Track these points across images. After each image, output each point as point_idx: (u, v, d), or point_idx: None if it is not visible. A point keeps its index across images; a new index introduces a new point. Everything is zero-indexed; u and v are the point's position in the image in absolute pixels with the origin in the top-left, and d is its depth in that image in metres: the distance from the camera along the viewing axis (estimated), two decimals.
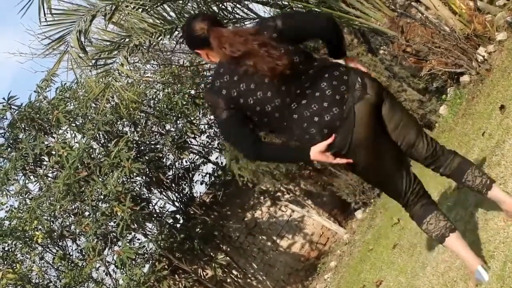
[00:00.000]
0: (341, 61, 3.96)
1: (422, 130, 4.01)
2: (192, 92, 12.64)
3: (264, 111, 3.72)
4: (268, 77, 3.67)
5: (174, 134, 12.09)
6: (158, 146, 12.19)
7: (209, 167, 14.05)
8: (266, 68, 3.65)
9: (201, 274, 11.83)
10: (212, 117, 12.97)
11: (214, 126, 13.17)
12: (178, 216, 12.03)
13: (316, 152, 3.74)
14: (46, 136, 11.07)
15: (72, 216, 10.90)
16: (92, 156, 10.56)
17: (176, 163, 12.61)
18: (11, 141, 11.07)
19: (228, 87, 3.71)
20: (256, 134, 3.83)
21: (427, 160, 3.99)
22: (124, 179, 10.51)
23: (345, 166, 3.96)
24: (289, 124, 3.77)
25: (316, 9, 9.58)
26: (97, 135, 11.16)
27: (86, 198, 10.20)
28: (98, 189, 10.19)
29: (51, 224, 10.71)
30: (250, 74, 3.69)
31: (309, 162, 3.93)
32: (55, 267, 10.95)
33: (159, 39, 9.89)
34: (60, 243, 11.05)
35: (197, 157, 12.95)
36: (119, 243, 10.40)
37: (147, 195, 11.84)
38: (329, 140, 3.71)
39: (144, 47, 10.12)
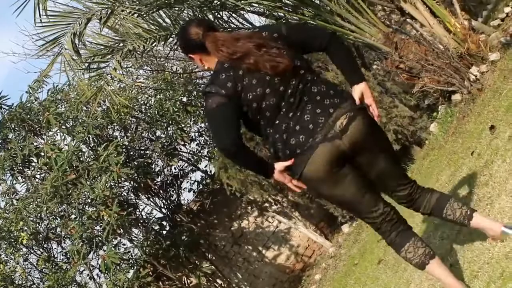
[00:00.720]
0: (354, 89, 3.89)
1: (404, 175, 4.02)
2: (184, 99, 12.64)
3: (259, 108, 3.74)
4: (270, 75, 3.69)
5: (164, 141, 12.07)
6: (147, 152, 12.17)
7: (197, 175, 14.05)
8: (268, 65, 3.68)
9: (186, 281, 11.81)
10: (203, 124, 12.98)
11: (205, 134, 13.17)
12: (164, 222, 12.00)
13: (276, 170, 3.81)
14: (35, 137, 11.04)
15: (58, 219, 10.85)
16: (81, 159, 10.52)
17: (165, 170, 12.58)
18: (0, 141, 11.03)
19: (234, 80, 3.72)
20: (241, 134, 3.80)
21: (406, 204, 4.01)
22: (112, 183, 10.48)
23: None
24: (271, 128, 3.79)
25: (311, 22, 9.62)
26: (87, 139, 11.10)
27: (73, 201, 10.17)
28: (86, 193, 10.17)
29: (37, 225, 10.66)
30: (252, 71, 3.71)
31: (269, 177, 3.92)
32: (39, 269, 10.88)
33: (153, 45, 9.90)
34: (45, 245, 11.00)
35: (186, 164, 12.93)
36: (104, 247, 10.36)
37: (134, 200, 11.80)
38: (288, 163, 3.76)
39: (138, 52, 10.11)
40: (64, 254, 11.07)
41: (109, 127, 11.90)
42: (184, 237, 11.69)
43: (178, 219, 12.16)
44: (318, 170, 3.75)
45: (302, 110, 3.73)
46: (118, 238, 11.00)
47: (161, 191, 12.31)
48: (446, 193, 4.07)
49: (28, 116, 10.93)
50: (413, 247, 3.82)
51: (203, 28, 3.86)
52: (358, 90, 3.86)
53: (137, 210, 11.61)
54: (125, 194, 11.57)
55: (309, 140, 3.70)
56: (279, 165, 3.81)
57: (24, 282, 10.68)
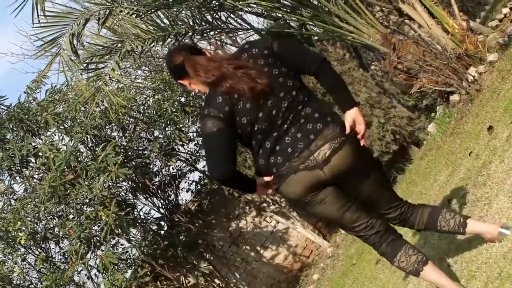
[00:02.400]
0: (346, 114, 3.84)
1: (393, 198, 4.00)
2: (182, 99, 12.62)
3: (252, 131, 3.73)
4: (249, 97, 3.65)
5: (162, 141, 12.05)
6: (145, 152, 12.16)
7: (195, 175, 14.05)
8: (246, 87, 3.64)
9: (184, 281, 11.81)
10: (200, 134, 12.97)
11: (202, 143, 13.16)
12: (162, 223, 12.00)
13: (258, 185, 3.86)
14: (33, 137, 11.02)
15: (56, 219, 10.85)
16: (79, 159, 10.51)
17: (163, 170, 12.58)
18: None
19: (231, 103, 3.67)
20: (235, 162, 3.79)
21: (399, 224, 4.02)
22: (110, 183, 10.50)
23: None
24: (260, 148, 3.79)
25: (310, 22, 9.64)
26: (85, 139, 11.10)
27: (71, 201, 10.16)
28: (84, 193, 10.16)
29: (35, 225, 10.64)
30: (232, 93, 3.67)
31: (252, 193, 3.96)
32: (37, 269, 10.88)
33: (151, 45, 9.90)
34: (43, 245, 10.99)
35: (184, 164, 12.92)
36: (102, 247, 10.37)
37: (132, 200, 11.80)
38: (269, 179, 3.79)
39: (136, 53, 10.12)
40: (62, 254, 11.07)
41: (107, 127, 11.89)
42: (182, 237, 11.69)
43: (176, 219, 12.17)
44: (294, 193, 3.77)
45: (286, 132, 3.72)
46: (116, 238, 11.01)
47: (159, 191, 12.31)
48: (437, 205, 4.07)
49: (26, 116, 10.91)
50: (405, 255, 3.82)
51: (184, 52, 3.83)
52: (349, 118, 3.78)
53: (135, 210, 11.61)
54: (123, 194, 11.57)
55: (285, 163, 3.70)
56: (259, 180, 3.84)
57: (22, 282, 10.67)
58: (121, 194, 11.36)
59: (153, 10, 9.36)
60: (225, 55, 3.85)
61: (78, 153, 10.70)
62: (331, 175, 3.70)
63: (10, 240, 10.40)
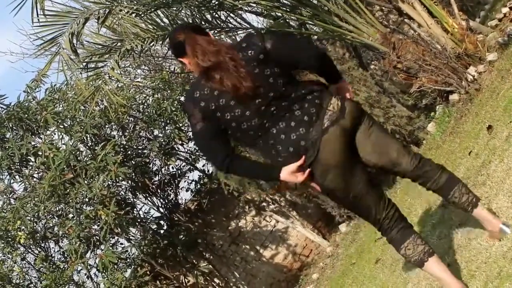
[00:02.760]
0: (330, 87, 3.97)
1: (404, 146, 4.01)
2: (182, 98, 12.62)
3: (239, 127, 3.73)
4: (230, 95, 3.66)
5: (162, 140, 12.06)
6: (145, 151, 12.16)
7: (195, 174, 14.02)
8: (230, 84, 3.64)
9: (183, 281, 11.81)
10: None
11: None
12: (162, 222, 12.00)
13: (287, 172, 3.76)
14: (33, 136, 11.02)
15: (56, 218, 10.85)
16: (78, 158, 10.52)
17: (163, 169, 12.58)
18: None
19: (208, 99, 3.68)
20: (229, 147, 3.81)
21: (413, 175, 3.98)
22: (109, 182, 10.50)
23: (316, 189, 3.95)
24: (259, 141, 3.79)
25: (309, 22, 9.64)
26: (85, 138, 11.11)
27: (70, 200, 10.17)
28: (83, 192, 10.16)
29: (35, 225, 10.65)
30: (215, 89, 3.67)
31: (278, 181, 3.89)
32: (37, 268, 10.88)
33: (151, 44, 9.90)
34: (43, 245, 11.00)
35: (183, 164, 12.93)
36: (102, 246, 10.37)
37: (132, 199, 11.80)
38: (300, 162, 3.72)
39: (136, 52, 10.11)
40: (61, 253, 11.07)
41: (106, 126, 11.90)
42: (181, 236, 11.70)
43: (176, 219, 12.17)
44: (336, 151, 3.75)
45: (291, 112, 3.73)
46: (116, 237, 11.01)
47: (158, 191, 12.32)
48: (456, 175, 4.04)
49: (26, 115, 10.92)
50: (413, 244, 3.81)
51: (187, 30, 3.83)
52: (341, 86, 4.01)
53: (135, 209, 11.61)
54: (123, 193, 11.58)
55: (309, 129, 3.69)
56: (290, 167, 3.74)
57: (21, 281, 10.67)
58: (120, 193, 11.37)
59: (152, 9, 9.36)
60: (226, 43, 3.83)
61: (78, 152, 10.71)
62: (351, 119, 3.76)
63: (10, 239, 10.40)
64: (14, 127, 11.01)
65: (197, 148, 3.62)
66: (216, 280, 12.07)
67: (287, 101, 3.73)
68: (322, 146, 3.70)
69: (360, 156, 3.86)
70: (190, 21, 9.74)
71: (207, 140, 3.78)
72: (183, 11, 9.75)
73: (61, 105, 11.57)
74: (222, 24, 10.01)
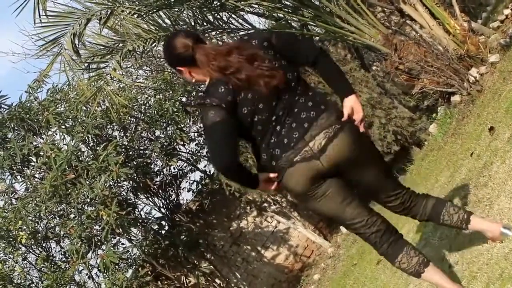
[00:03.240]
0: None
1: (394, 186, 3.96)
2: (184, 99, 12.63)
3: (252, 122, 3.71)
4: (262, 91, 3.63)
5: (163, 141, 12.06)
6: (146, 151, 12.16)
7: (196, 175, 14.08)
8: (262, 82, 3.61)
9: (184, 281, 11.82)
10: (201, 124, 12.98)
11: (204, 134, 13.18)
12: (163, 222, 12.01)
13: (260, 180, 3.82)
14: (35, 136, 11.02)
15: (57, 218, 10.84)
16: (80, 159, 10.51)
17: (164, 170, 12.59)
18: None
19: (233, 93, 3.64)
20: (237, 153, 3.76)
21: (401, 213, 3.99)
22: (111, 183, 10.50)
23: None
24: (260, 139, 3.77)
25: (311, 23, 9.64)
26: (86, 138, 11.11)
27: (72, 201, 10.16)
28: (85, 192, 10.15)
29: (36, 225, 10.64)
30: (243, 87, 3.64)
31: (254, 188, 3.91)
32: (38, 268, 10.88)
33: (153, 45, 9.90)
34: (44, 245, 10.99)
35: (185, 164, 12.93)
36: (103, 247, 10.36)
37: (133, 200, 11.81)
38: (273, 175, 3.76)
39: (138, 52, 10.12)
40: (63, 253, 11.06)
41: (108, 127, 11.91)
42: (183, 236, 11.70)
43: (177, 219, 12.18)
44: (296, 186, 3.74)
45: (283, 124, 3.70)
46: (117, 238, 11.02)
47: (160, 191, 12.32)
48: (441, 197, 4.04)
49: (28, 115, 10.92)
50: (407, 257, 3.79)
51: (191, 40, 3.75)
52: (348, 105, 3.76)
53: (136, 209, 11.62)
54: (124, 193, 11.58)
55: (282, 155, 3.68)
56: (262, 176, 3.80)
57: (23, 281, 10.66)
58: (122, 194, 11.37)
59: (154, 10, 9.37)
60: (237, 44, 3.75)
61: (79, 153, 10.71)
62: (328, 165, 3.68)
63: (11, 239, 10.40)
64: (15, 128, 11.02)
65: (208, 142, 3.47)
66: (217, 281, 12.08)
67: (291, 105, 3.71)
68: (288, 174, 3.71)
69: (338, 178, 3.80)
70: (192, 22, 9.76)
71: (225, 136, 3.64)
72: (185, 12, 9.76)
73: (63, 106, 11.58)
74: (224, 25, 10.02)
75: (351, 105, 3.77)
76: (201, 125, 3.76)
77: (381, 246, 3.86)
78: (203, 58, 3.68)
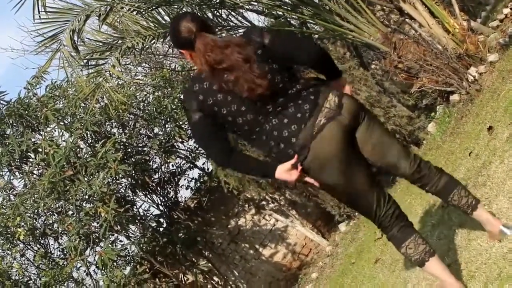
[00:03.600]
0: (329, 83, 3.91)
1: (404, 148, 4.00)
2: (182, 96, 12.62)
3: (235, 122, 3.71)
4: (243, 95, 3.64)
5: (162, 138, 12.07)
6: (145, 149, 12.17)
7: (195, 172, 14.05)
8: (246, 86, 3.61)
9: (182, 279, 11.81)
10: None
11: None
12: (161, 220, 12.01)
13: (281, 171, 3.76)
14: (33, 133, 11.03)
15: (56, 215, 10.85)
16: (78, 155, 10.52)
17: (163, 167, 12.59)
18: None
19: (206, 93, 3.67)
20: (228, 143, 3.81)
21: (412, 178, 3.96)
22: (109, 180, 10.50)
23: (314, 184, 3.93)
24: (254, 136, 3.77)
25: (310, 21, 9.64)
26: (85, 135, 11.12)
27: (70, 197, 10.17)
28: (83, 189, 10.15)
29: (34, 221, 10.65)
30: (229, 87, 3.65)
31: (273, 178, 3.88)
32: (36, 265, 10.88)
33: (152, 42, 9.91)
34: (42, 241, 10.99)
35: (183, 161, 12.93)
36: (101, 244, 10.37)
37: (131, 197, 11.81)
38: (293, 160, 3.72)
39: (137, 49, 10.12)
40: (61, 250, 11.07)
41: (107, 123, 11.91)
42: (181, 234, 11.70)
43: (175, 216, 12.17)
44: (334, 146, 3.71)
45: (286, 108, 3.71)
46: (115, 235, 11.01)
47: (158, 188, 12.32)
48: (455, 178, 4.02)
49: (26, 112, 10.92)
50: (414, 243, 3.79)
51: (196, 25, 3.74)
52: (339, 83, 3.93)
53: (135, 207, 11.61)
54: (123, 191, 11.59)
55: (301, 126, 3.68)
56: (284, 165, 3.74)
57: (20, 277, 10.66)
58: (120, 191, 11.38)
59: (154, 7, 9.38)
60: (237, 41, 3.73)
61: (78, 149, 10.71)
62: (349, 116, 3.72)
63: (9, 235, 10.40)
64: (14, 124, 11.02)
65: (195, 142, 3.53)
66: (215, 279, 12.08)
67: (284, 97, 3.72)
68: (318, 142, 3.68)
69: (361, 153, 3.84)
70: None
71: (205, 132, 3.75)
72: (184, 9, 9.75)
73: (61, 102, 11.59)
74: (223, 23, 10.02)
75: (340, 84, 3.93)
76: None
77: (391, 230, 3.87)
78: (201, 47, 3.68)
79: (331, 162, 3.74)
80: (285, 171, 3.75)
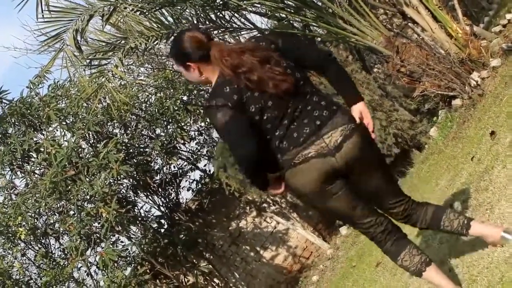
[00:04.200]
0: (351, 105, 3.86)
1: (398, 193, 3.97)
2: (185, 98, 12.65)
3: (260, 120, 3.68)
4: (272, 93, 3.63)
5: (164, 139, 12.08)
6: (147, 149, 12.18)
7: (196, 174, 14.08)
8: (271, 84, 3.61)
9: (183, 280, 11.82)
10: (203, 123, 13.00)
11: (204, 133, 13.21)
12: (163, 221, 12.02)
13: (271, 180, 3.81)
14: (35, 132, 11.05)
15: (57, 215, 10.87)
16: (80, 155, 10.54)
17: (164, 168, 12.61)
18: None
19: (239, 92, 3.63)
20: (256, 140, 3.66)
21: (403, 220, 3.98)
22: (111, 180, 10.51)
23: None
24: (271, 137, 3.73)
25: (313, 24, 9.64)
26: (87, 135, 11.14)
27: (72, 197, 10.18)
28: (85, 189, 10.16)
29: (35, 221, 10.67)
30: (254, 85, 3.64)
31: (264, 190, 3.94)
32: (37, 264, 10.89)
33: (155, 43, 9.91)
34: (43, 241, 11.00)
35: (185, 163, 12.95)
36: (102, 244, 10.39)
37: (133, 198, 11.83)
38: (276, 175, 3.75)
39: (140, 50, 10.12)
40: (62, 250, 11.09)
41: (109, 124, 11.93)
42: (182, 235, 11.71)
43: (177, 218, 12.18)
44: (309, 183, 3.71)
45: (293, 120, 3.69)
46: (116, 235, 11.03)
47: (160, 189, 12.33)
48: (441, 205, 4.04)
49: (29, 111, 10.94)
50: (409, 255, 3.80)
51: (206, 36, 3.77)
52: (357, 111, 3.82)
53: (136, 207, 11.63)
54: (124, 191, 11.60)
55: (290, 147, 3.66)
56: (272, 176, 3.79)
57: (21, 277, 10.68)
58: (122, 192, 11.39)
59: (157, 8, 9.38)
60: (251, 45, 3.74)
61: (80, 149, 10.74)
62: (343, 162, 3.68)
63: (10, 235, 10.41)
64: (16, 123, 11.04)
65: (224, 137, 3.35)
66: (216, 280, 12.08)
67: (302, 103, 3.71)
68: (295, 172, 3.70)
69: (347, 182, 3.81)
70: (195, 21, 9.76)
71: (241, 128, 3.62)
72: (187, 10, 9.77)
73: (64, 102, 11.60)
74: (226, 24, 10.02)
75: (360, 110, 3.82)
76: (214, 128, 3.59)
77: (385, 244, 3.88)
78: (217, 54, 3.68)
79: (309, 193, 3.77)
80: (273, 184, 3.84)
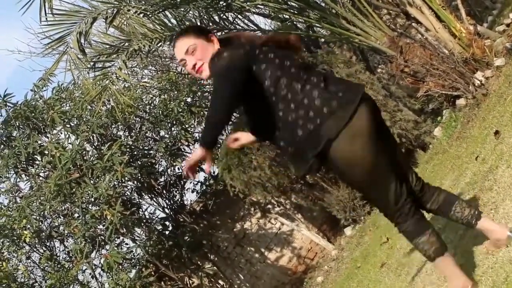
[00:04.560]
0: None
1: (411, 167, 4.06)
2: (189, 99, 12.65)
3: (268, 88, 3.66)
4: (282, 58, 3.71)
5: (168, 141, 12.08)
6: (151, 151, 12.19)
7: (201, 176, 14.05)
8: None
9: (188, 282, 11.82)
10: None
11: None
12: (167, 223, 12.02)
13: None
14: (40, 135, 11.06)
15: (62, 217, 10.87)
16: (85, 158, 10.55)
17: (168, 170, 12.61)
18: (4, 139, 11.07)
19: (259, 53, 3.72)
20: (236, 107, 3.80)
21: (415, 194, 3.94)
22: (115, 183, 10.52)
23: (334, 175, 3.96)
24: (282, 104, 3.67)
25: (317, 24, 9.64)
26: (91, 137, 11.15)
27: (76, 200, 10.19)
28: (89, 192, 10.18)
29: (40, 224, 10.68)
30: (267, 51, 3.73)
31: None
32: (41, 267, 10.90)
33: (158, 45, 9.92)
34: (48, 244, 11.02)
35: None
36: (107, 246, 10.40)
37: (137, 200, 11.83)
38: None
39: (143, 52, 10.14)
40: (66, 252, 11.10)
41: (113, 126, 11.94)
42: (186, 237, 11.71)
43: (181, 220, 12.18)
44: (366, 122, 3.61)
45: (316, 84, 3.63)
46: (121, 238, 11.04)
47: (164, 191, 12.33)
48: (454, 193, 4.04)
49: (33, 114, 10.96)
50: (428, 236, 3.76)
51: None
52: None
53: (140, 209, 11.63)
54: (129, 193, 11.61)
55: (338, 106, 3.58)
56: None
57: (26, 280, 10.69)
58: (126, 194, 11.39)
59: (160, 10, 9.39)
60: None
61: (84, 152, 10.75)
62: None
63: (15, 238, 10.42)
64: (21, 126, 11.05)
65: (223, 80, 3.25)
66: (221, 282, 12.08)
67: (313, 74, 3.71)
68: (358, 113, 3.60)
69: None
70: (198, 22, 9.78)
71: (239, 85, 3.58)
72: (191, 12, 9.77)
73: (68, 105, 11.62)
74: (229, 26, 10.03)
75: None
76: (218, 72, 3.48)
77: (406, 222, 3.79)
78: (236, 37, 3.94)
79: (365, 133, 3.65)
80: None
